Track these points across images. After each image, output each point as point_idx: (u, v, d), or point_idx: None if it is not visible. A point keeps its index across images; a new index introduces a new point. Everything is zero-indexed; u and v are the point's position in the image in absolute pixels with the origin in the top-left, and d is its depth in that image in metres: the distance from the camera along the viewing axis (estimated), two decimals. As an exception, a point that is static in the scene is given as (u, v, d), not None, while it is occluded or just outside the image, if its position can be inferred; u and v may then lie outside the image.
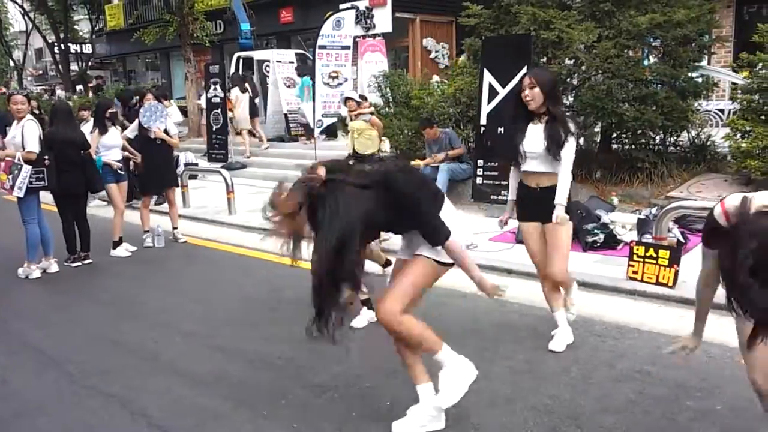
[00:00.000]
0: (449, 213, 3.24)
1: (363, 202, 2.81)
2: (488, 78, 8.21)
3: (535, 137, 4.10)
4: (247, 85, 14.89)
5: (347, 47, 12.08)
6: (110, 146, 7.47)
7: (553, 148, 4.02)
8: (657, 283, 5.28)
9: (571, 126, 4.07)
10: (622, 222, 6.84)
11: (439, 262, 3.23)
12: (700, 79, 8.77)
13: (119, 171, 7.59)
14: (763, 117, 7.66)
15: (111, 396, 3.90)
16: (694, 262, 5.86)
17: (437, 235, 3.09)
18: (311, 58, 13.07)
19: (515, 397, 3.68)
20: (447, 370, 3.29)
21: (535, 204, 4.25)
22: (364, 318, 4.93)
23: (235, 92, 14.56)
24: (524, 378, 3.94)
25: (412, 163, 9.40)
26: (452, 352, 3.31)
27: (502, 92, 8.12)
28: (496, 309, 5.16)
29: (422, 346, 3.30)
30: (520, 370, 4.06)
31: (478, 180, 8.47)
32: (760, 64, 7.57)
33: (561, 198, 4.05)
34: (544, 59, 8.84)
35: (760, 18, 11.16)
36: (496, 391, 3.77)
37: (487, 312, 5.09)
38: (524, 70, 7.83)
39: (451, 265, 3.26)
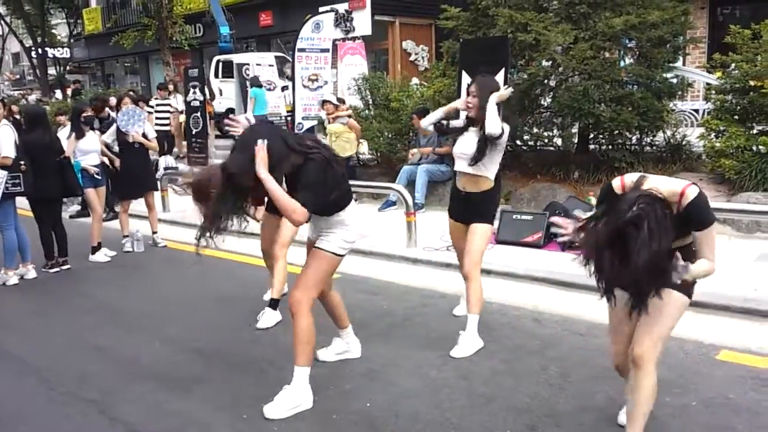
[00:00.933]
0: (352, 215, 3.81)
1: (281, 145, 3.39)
2: (466, 80, 8.24)
3: (468, 141, 4.42)
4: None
5: (326, 50, 12.09)
6: (87, 151, 7.39)
7: (476, 154, 4.34)
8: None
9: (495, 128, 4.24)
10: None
11: (335, 254, 3.74)
12: (675, 80, 8.89)
13: (96, 176, 7.53)
14: (736, 117, 7.79)
15: (89, 402, 3.88)
16: (670, 260, 5.95)
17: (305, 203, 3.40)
18: (291, 61, 13.04)
19: (495, 397, 3.71)
20: (291, 388, 3.67)
21: (460, 205, 4.59)
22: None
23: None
24: (503, 377, 3.97)
25: (411, 151, 9.45)
26: (306, 379, 3.70)
27: (481, 94, 8.16)
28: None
29: (302, 348, 3.66)
30: (500, 370, 4.09)
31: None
32: (733, 65, 7.69)
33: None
34: (522, 61, 8.91)
35: (734, 19, 11.33)
36: (475, 391, 3.80)
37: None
38: (501, 72, 7.91)
39: (344, 255, 3.82)
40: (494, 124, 4.24)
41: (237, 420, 3.59)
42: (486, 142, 4.29)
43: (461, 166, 4.46)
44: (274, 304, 5.12)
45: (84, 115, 7.50)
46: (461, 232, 4.59)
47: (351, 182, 9.41)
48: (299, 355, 3.64)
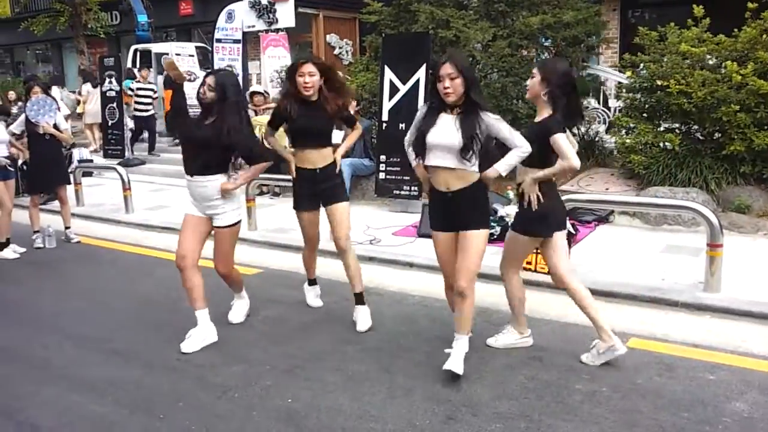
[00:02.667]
0: None
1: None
2: (389, 75, 8.31)
3: (446, 129, 3.72)
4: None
5: (238, 41, 11.82)
6: (-5, 142, 7.04)
7: (467, 141, 3.65)
8: (549, 272, 5.51)
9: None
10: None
11: (233, 225, 4.54)
12: (589, 79, 9.23)
13: (8, 168, 7.16)
14: (645, 114, 8.16)
15: (-6, 407, 3.71)
16: (584, 252, 6.21)
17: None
18: (211, 51, 12.77)
19: (415, 388, 3.77)
20: (237, 303, 5.00)
21: (445, 210, 3.87)
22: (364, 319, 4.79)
23: (87, 87, 14.74)
24: (424, 369, 4.04)
25: None
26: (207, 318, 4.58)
27: (403, 89, 8.24)
28: (398, 301, 5.27)
29: (237, 284, 4.89)
30: (420, 361, 4.16)
31: (381, 175, 8.56)
32: (642, 65, 8.04)
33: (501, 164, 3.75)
34: (443, 57, 9.04)
35: (643, 21, 11.84)
36: (396, 383, 3.85)
37: (390, 305, 5.18)
38: (423, 67, 8.01)
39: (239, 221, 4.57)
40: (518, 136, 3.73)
41: (154, 420, 3.51)
42: (476, 134, 3.66)
43: (440, 159, 3.76)
44: (360, 298, 4.82)
45: (-10, 104, 7.13)
46: (451, 243, 3.92)
47: (276, 177, 9.36)
48: (237, 286, 4.90)
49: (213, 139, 4.28)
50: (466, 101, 3.70)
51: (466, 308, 3.86)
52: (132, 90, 13.69)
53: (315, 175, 4.64)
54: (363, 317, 4.73)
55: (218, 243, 4.58)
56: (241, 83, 11.70)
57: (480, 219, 3.83)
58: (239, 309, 5.04)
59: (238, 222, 4.61)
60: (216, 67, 11.58)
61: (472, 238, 3.78)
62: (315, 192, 4.70)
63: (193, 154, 4.44)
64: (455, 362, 3.81)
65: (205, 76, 4.56)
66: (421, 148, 3.86)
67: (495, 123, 3.70)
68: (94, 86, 14.54)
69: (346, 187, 4.92)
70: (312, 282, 5.31)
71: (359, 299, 4.80)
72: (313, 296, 5.30)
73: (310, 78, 4.41)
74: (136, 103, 13.54)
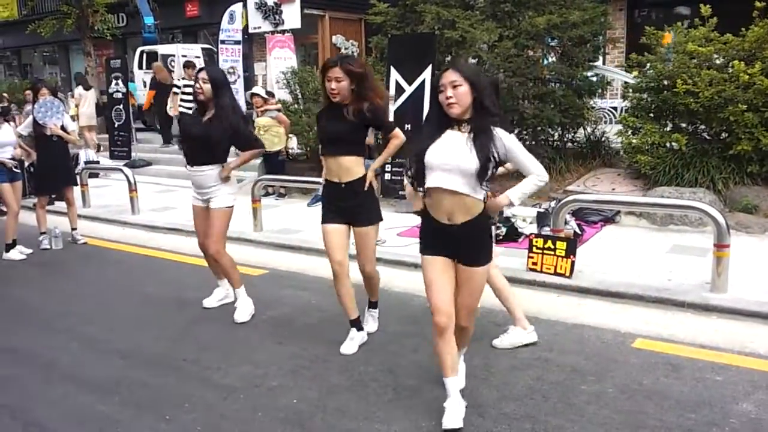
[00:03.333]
0: None
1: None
2: (395, 76, 8.31)
3: (453, 147, 3.13)
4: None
5: (239, 42, 11.80)
6: (2, 144, 7.05)
7: (484, 163, 3.07)
8: (555, 273, 5.52)
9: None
10: (524, 215, 7.10)
11: (226, 207, 4.90)
12: (595, 78, 9.20)
13: (14, 169, 7.19)
14: (651, 114, 8.13)
15: (1, 407, 3.72)
16: (590, 252, 6.19)
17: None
18: (217, 52, 12.79)
19: (420, 389, 3.77)
20: (239, 302, 5.08)
21: (445, 241, 3.27)
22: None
23: (79, 90, 14.72)
24: (429, 370, 4.02)
25: None
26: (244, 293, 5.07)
27: (409, 89, 8.24)
28: (404, 303, 5.26)
29: (231, 276, 5.07)
30: (425, 363, 4.14)
31: (386, 176, 8.56)
32: (648, 65, 8.02)
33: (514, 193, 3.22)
34: (448, 57, 9.03)
35: (649, 21, 11.80)
36: (401, 384, 3.84)
37: (395, 306, 5.17)
38: (429, 68, 8.01)
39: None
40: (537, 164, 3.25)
41: (159, 421, 3.51)
42: (493, 154, 3.09)
43: (442, 180, 3.12)
44: (373, 304, 4.67)
45: (0, 106, 7.17)
46: (447, 268, 3.31)
47: (280, 177, 9.35)
48: (233, 282, 5.11)
49: (213, 136, 4.70)
50: (476, 115, 3.13)
51: (465, 336, 3.54)
52: (179, 87, 13.46)
53: (339, 190, 4.17)
54: (372, 321, 4.68)
55: (212, 222, 4.92)
56: (241, 84, 11.77)
57: (486, 254, 3.32)
58: (216, 295, 5.32)
59: (232, 206, 4.98)
60: (222, 68, 11.59)
61: (476, 274, 3.29)
62: (340, 208, 4.21)
63: (193, 149, 4.85)
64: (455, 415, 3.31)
65: (197, 73, 4.80)
66: (418, 172, 3.21)
67: (514, 145, 3.16)
68: (86, 89, 14.60)
69: (376, 207, 4.31)
70: (354, 323, 4.42)
71: (372, 304, 4.69)
72: (349, 345, 4.40)
73: (336, 84, 3.98)
74: (181, 100, 13.47)
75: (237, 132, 4.80)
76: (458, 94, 3.08)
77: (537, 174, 3.20)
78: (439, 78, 3.17)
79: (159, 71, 13.77)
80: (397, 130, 4.24)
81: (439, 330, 3.28)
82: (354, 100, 4.04)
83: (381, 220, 4.35)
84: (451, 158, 3.10)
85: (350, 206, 4.18)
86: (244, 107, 11.97)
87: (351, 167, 4.15)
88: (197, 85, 4.69)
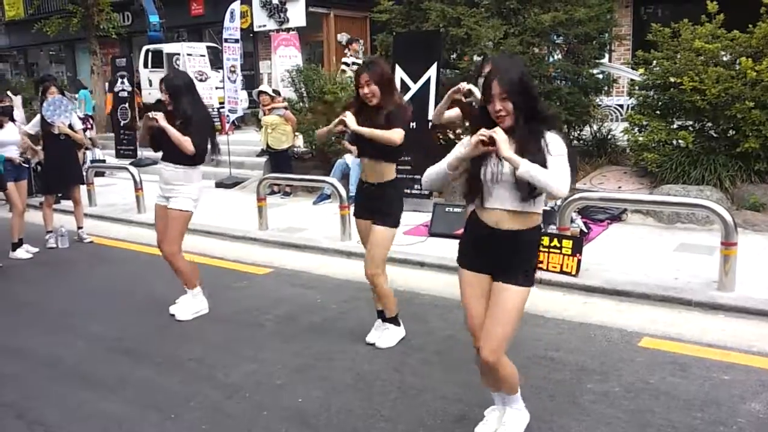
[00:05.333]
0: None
1: None
2: (400, 73, 8.29)
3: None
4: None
5: (238, 40, 11.82)
6: (6, 143, 7.06)
7: (525, 193, 2.83)
8: (561, 271, 5.49)
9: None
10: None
11: (183, 210, 4.95)
12: (600, 76, 9.16)
13: (23, 165, 7.21)
14: (657, 112, 8.08)
15: (5, 406, 3.72)
16: (596, 251, 6.17)
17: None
18: (221, 50, 12.78)
19: (426, 388, 3.75)
20: (188, 298, 5.16)
21: (489, 247, 2.99)
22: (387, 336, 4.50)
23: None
24: (435, 368, 4.02)
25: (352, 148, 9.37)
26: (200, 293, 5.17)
27: (414, 87, 8.22)
28: (408, 301, 5.24)
29: (185, 277, 5.13)
30: (431, 361, 4.14)
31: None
32: (654, 62, 7.97)
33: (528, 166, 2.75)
34: (454, 55, 9.01)
35: (656, 18, 11.74)
36: (407, 383, 3.83)
37: (400, 305, 5.14)
38: (434, 65, 7.99)
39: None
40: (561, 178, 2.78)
41: (165, 419, 3.51)
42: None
43: (499, 201, 2.89)
44: (393, 320, 4.50)
45: (1, 105, 7.17)
46: (484, 288, 3.04)
47: (286, 176, 9.34)
48: (186, 282, 5.14)
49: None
50: (522, 122, 2.83)
51: (502, 375, 3.04)
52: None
53: (366, 189, 4.35)
54: (387, 335, 4.47)
55: (167, 222, 4.97)
56: (240, 82, 11.74)
57: (527, 275, 2.98)
58: (183, 304, 5.17)
59: (189, 211, 5.00)
60: (225, 66, 11.60)
61: (510, 295, 2.91)
62: (366, 205, 4.37)
63: (167, 143, 4.88)
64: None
65: (160, 83, 4.97)
66: (472, 189, 2.96)
67: (553, 145, 2.81)
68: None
69: (397, 212, 4.34)
70: (379, 314, 4.50)
71: (380, 313, 4.51)
72: (374, 334, 4.50)
73: (368, 88, 4.06)
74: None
75: (187, 124, 4.79)
76: (507, 107, 2.79)
77: (555, 183, 2.72)
78: (489, 87, 2.83)
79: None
80: (397, 132, 4.06)
81: (478, 353, 3.07)
82: (383, 101, 4.11)
83: (396, 226, 4.34)
84: (507, 173, 2.82)
85: (375, 206, 4.28)
86: (245, 104, 11.97)
87: (382, 171, 4.24)
88: (162, 96, 4.90)
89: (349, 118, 4.08)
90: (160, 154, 5.10)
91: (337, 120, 4.16)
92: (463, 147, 2.96)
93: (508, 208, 2.88)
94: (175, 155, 4.87)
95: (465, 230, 3.16)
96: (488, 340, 2.92)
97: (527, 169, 2.71)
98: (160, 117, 4.78)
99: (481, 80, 3.27)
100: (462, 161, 2.94)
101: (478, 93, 4.36)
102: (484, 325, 2.97)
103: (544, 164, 2.74)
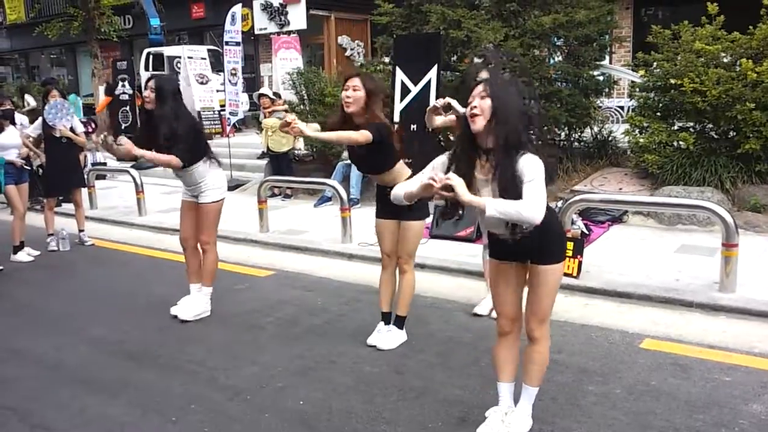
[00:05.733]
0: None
1: None
2: (400, 76, 8.29)
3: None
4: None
5: (239, 43, 11.85)
6: (6, 146, 7.06)
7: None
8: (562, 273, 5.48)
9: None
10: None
11: (215, 202, 5.02)
12: (601, 78, 9.16)
13: (24, 168, 7.22)
14: (658, 114, 8.08)
15: (7, 409, 3.72)
16: (597, 252, 6.16)
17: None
18: (222, 53, 12.82)
19: (427, 390, 3.75)
20: (197, 298, 5.14)
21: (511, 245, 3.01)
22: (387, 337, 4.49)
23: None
24: (436, 371, 4.02)
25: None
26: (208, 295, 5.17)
27: (414, 90, 8.22)
28: (410, 303, 5.23)
29: (208, 272, 5.13)
30: (433, 363, 4.14)
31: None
32: (655, 64, 7.98)
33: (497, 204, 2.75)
34: (454, 57, 9.02)
35: (656, 20, 11.74)
36: (408, 385, 3.83)
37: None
38: (435, 68, 7.99)
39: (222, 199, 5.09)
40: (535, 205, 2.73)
41: (166, 422, 3.51)
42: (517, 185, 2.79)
43: (495, 226, 2.99)
44: (400, 321, 4.50)
45: (2, 108, 7.17)
46: (516, 275, 3.15)
47: (286, 178, 9.35)
48: (208, 278, 5.15)
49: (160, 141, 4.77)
50: (498, 147, 2.81)
51: (538, 356, 3.16)
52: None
53: (383, 192, 4.22)
54: (389, 337, 4.45)
55: (202, 216, 5.04)
56: (241, 85, 11.77)
57: (559, 250, 3.10)
58: (186, 303, 5.17)
59: (221, 199, 5.10)
60: (226, 69, 11.63)
61: (549, 273, 3.02)
62: (388, 208, 4.21)
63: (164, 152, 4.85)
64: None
65: (147, 81, 4.93)
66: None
67: (526, 168, 2.76)
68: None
69: (424, 204, 4.21)
70: (384, 316, 4.51)
71: (394, 319, 4.49)
72: (376, 336, 4.48)
73: (353, 92, 4.05)
74: None
75: (173, 137, 4.74)
76: (484, 106, 2.81)
77: (527, 212, 2.68)
78: (472, 89, 2.89)
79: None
80: (362, 133, 4.00)
81: (500, 332, 3.23)
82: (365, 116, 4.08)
83: (427, 216, 4.47)
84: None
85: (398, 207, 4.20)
86: (246, 107, 11.99)
87: (393, 179, 4.15)
88: (145, 93, 4.87)
89: (300, 124, 3.86)
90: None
91: (283, 122, 3.92)
92: (431, 169, 3.05)
93: (503, 232, 2.94)
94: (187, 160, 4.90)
95: (488, 231, 3.20)
96: (535, 313, 3.08)
97: (494, 208, 2.71)
98: (127, 144, 4.69)
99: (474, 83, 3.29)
100: (417, 196, 3.03)
101: (458, 106, 4.39)
102: (528, 303, 3.11)
103: (517, 188, 2.73)
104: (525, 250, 3.02)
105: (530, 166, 2.76)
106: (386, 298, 4.50)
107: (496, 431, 3.18)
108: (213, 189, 5.02)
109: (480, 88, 2.85)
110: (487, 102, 2.80)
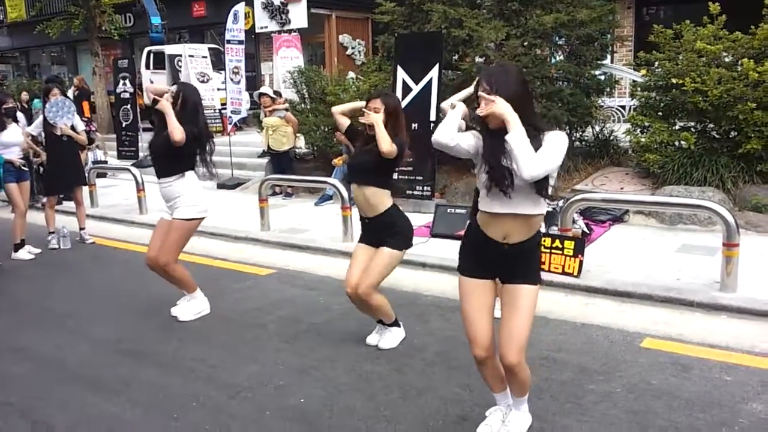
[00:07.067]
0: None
1: None
2: (402, 74, 8.30)
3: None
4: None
5: (242, 42, 11.84)
6: (9, 144, 7.07)
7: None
8: (563, 272, 5.49)
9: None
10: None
11: (186, 219, 4.87)
12: (603, 77, 9.16)
13: (23, 168, 7.22)
14: (660, 113, 8.08)
15: (8, 406, 3.73)
16: (598, 252, 6.17)
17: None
18: (224, 52, 12.82)
19: (428, 389, 3.76)
20: (188, 302, 5.12)
21: (492, 260, 2.99)
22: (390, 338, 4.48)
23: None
24: (436, 369, 4.03)
25: (333, 162, 9.39)
26: (200, 294, 5.15)
27: (416, 88, 8.23)
28: (410, 301, 5.25)
29: (184, 284, 5.07)
30: (433, 361, 4.14)
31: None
32: (657, 63, 7.97)
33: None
34: (456, 56, 9.02)
35: (658, 19, 11.73)
36: (408, 383, 3.84)
37: (402, 305, 5.15)
38: (436, 67, 8.00)
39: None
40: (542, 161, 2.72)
41: (168, 420, 3.52)
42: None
43: (508, 206, 2.83)
44: (395, 323, 4.45)
45: (5, 107, 7.17)
46: (489, 295, 3.06)
47: (287, 177, 9.37)
48: (186, 288, 5.09)
49: (163, 147, 4.78)
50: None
51: (520, 377, 3.03)
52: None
53: (366, 224, 4.27)
54: (388, 337, 4.45)
55: (169, 232, 4.89)
56: (244, 84, 11.78)
57: (536, 271, 3.03)
58: (185, 305, 5.15)
59: (195, 219, 4.94)
60: (228, 67, 11.63)
61: (525, 294, 2.93)
62: (370, 237, 4.26)
63: (156, 161, 4.98)
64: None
65: (176, 83, 5.02)
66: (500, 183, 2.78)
67: (550, 138, 2.78)
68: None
69: (401, 236, 4.24)
70: (379, 320, 4.48)
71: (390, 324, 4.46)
72: (374, 336, 4.50)
73: (375, 115, 4.06)
74: None
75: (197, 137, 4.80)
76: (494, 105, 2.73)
77: (526, 162, 2.65)
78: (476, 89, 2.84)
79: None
80: (394, 147, 4.03)
81: (478, 361, 3.11)
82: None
83: (406, 248, 4.28)
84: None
85: (379, 237, 4.19)
86: (247, 106, 12.02)
87: (376, 203, 4.14)
88: (168, 93, 4.87)
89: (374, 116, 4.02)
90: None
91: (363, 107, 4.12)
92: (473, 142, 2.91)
93: (520, 212, 2.83)
94: (166, 169, 4.88)
95: (466, 239, 3.13)
96: (511, 341, 2.91)
97: (516, 136, 2.65)
98: (166, 98, 4.75)
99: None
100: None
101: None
102: (504, 328, 2.96)
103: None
104: (500, 263, 2.95)
105: (553, 138, 2.77)
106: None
107: (496, 430, 3.19)
108: (188, 206, 4.90)
109: (485, 85, 2.77)
110: (496, 103, 2.72)
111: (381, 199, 4.17)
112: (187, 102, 4.84)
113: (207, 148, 4.97)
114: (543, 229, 6.41)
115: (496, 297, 3.11)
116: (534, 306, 2.97)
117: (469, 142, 2.89)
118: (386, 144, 3.98)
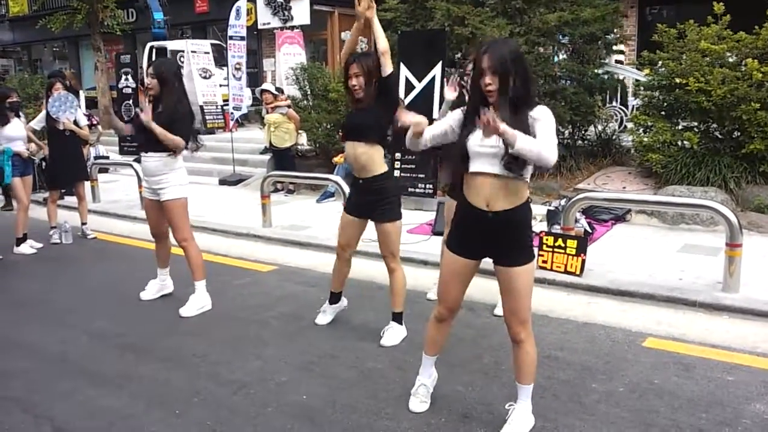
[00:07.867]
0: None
1: None
2: (404, 72, 8.29)
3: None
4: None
5: (244, 38, 11.83)
6: (12, 138, 7.08)
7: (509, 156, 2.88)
8: (565, 271, 5.49)
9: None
10: (534, 213, 7.08)
11: (178, 198, 4.98)
12: (606, 76, 9.15)
13: (32, 157, 7.24)
14: (663, 113, 8.08)
15: (11, 400, 3.73)
16: (600, 251, 6.16)
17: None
18: (226, 48, 12.81)
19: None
20: (195, 295, 5.11)
21: (482, 234, 3.05)
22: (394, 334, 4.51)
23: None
24: (438, 367, 4.00)
25: (334, 160, 9.39)
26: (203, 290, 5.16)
27: (419, 86, 8.22)
28: (413, 301, 5.23)
29: (194, 267, 5.12)
30: (435, 359, 4.12)
31: (396, 173, 8.54)
32: (660, 63, 7.97)
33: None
34: (459, 54, 9.01)
35: (661, 19, 11.73)
36: (410, 381, 3.81)
37: (404, 303, 5.15)
38: (439, 64, 7.99)
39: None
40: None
41: (169, 415, 3.51)
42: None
43: (484, 165, 2.95)
44: (398, 317, 4.50)
45: (9, 101, 7.18)
46: (469, 271, 3.20)
47: (289, 173, 9.35)
48: (197, 272, 5.11)
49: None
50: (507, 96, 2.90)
51: (527, 357, 3.17)
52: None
53: (358, 185, 4.31)
54: (390, 334, 4.46)
55: (168, 215, 5.06)
56: (245, 80, 11.77)
57: (527, 251, 3.07)
58: (151, 288, 5.43)
59: (183, 198, 5.05)
60: (230, 64, 11.62)
61: (519, 276, 3.03)
62: (359, 201, 4.33)
63: (141, 137, 4.99)
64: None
65: (148, 67, 4.99)
66: (462, 158, 3.01)
67: (542, 116, 2.92)
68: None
69: (397, 204, 4.35)
70: (332, 297, 4.77)
71: (391, 317, 4.51)
72: (322, 316, 4.81)
73: (356, 80, 4.13)
74: None
75: (172, 124, 4.82)
76: (492, 81, 2.87)
77: (546, 152, 2.80)
78: (480, 60, 2.90)
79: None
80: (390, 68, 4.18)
81: (438, 317, 3.36)
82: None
83: (399, 217, 4.37)
84: (491, 140, 2.85)
85: (370, 202, 4.27)
86: (248, 102, 12.00)
87: (368, 161, 4.19)
88: (147, 80, 4.89)
89: None
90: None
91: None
92: (448, 122, 3.14)
93: (496, 172, 2.92)
94: (156, 144, 4.87)
95: (456, 217, 3.21)
96: (515, 315, 3.10)
97: (523, 142, 2.77)
98: (146, 114, 4.77)
99: (470, 66, 3.45)
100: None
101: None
102: (505, 307, 3.15)
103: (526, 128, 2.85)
104: (489, 246, 3.08)
105: (545, 113, 2.93)
106: (337, 281, 4.67)
107: (422, 395, 3.47)
108: (173, 186, 4.99)
109: (488, 62, 2.86)
110: (494, 81, 2.87)
111: (374, 157, 4.21)
112: (168, 81, 4.83)
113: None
114: (546, 228, 6.41)
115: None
116: (530, 282, 3.10)
117: (442, 128, 3.16)
118: (387, 53, 4.15)
